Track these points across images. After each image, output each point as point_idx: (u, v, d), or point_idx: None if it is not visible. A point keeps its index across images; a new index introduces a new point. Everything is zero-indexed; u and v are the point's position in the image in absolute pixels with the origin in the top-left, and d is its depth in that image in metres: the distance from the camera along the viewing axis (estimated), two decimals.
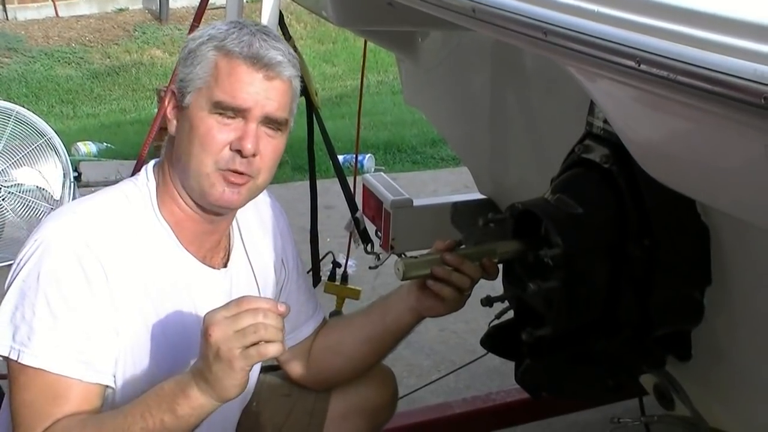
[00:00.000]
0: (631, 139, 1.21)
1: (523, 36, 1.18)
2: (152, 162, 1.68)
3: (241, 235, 1.78)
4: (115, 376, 1.56)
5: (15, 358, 1.47)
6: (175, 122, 1.60)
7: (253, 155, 1.55)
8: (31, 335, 1.47)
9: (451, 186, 5.22)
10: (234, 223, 1.76)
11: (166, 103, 1.62)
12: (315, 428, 1.95)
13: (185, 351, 1.58)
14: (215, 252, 1.71)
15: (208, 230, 1.66)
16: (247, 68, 1.54)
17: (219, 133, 1.54)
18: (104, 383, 1.54)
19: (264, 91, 1.55)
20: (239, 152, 1.54)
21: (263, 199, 1.83)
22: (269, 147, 1.59)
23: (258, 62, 1.54)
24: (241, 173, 1.56)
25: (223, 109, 1.54)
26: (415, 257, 1.77)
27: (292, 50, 1.62)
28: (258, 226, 1.83)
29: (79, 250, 1.49)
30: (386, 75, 8.53)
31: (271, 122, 1.58)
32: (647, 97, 1.04)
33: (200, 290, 1.65)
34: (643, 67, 0.97)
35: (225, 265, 1.72)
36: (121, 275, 1.53)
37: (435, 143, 6.28)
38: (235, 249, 1.75)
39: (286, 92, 1.59)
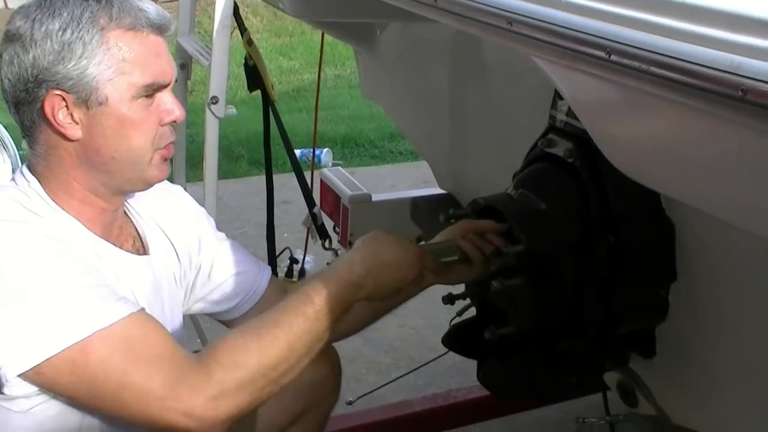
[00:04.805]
0: (601, 133, 1.19)
1: (487, 26, 1.15)
2: (22, 167, 1.52)
3: (156, 221, 1.68)
4: None
5: (66, 346, 1.31)
6: (79, 126, 1.44)
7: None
8: (58, 320, 1.32)
9: (410, 181, 5.18)
10: (132, 211, 1.66)
11: (50, 112, 1.42)
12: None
13: None
14: (123, 240, 1.60)
15: (112, 217, 1.56)
16: (156, 38, 1.46)
17: (150, 114, 1.46)
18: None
19: (169, 55, 1.50)
20: (173, 122, 1.50)
21: (169, 187, 1.76)
22: None
23: (160, 27, 1.47)
24: (171, 143, 1.52)
25: (153, 90, 1.46)
26: None
27: None
28: (173, 210, 1.73)
29: (39, 239, 1.38)
30: (344, 69, 8.46)
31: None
32: (618, 89, 1.01)
33: (127, 276, 1.55)
34: (613, 57, 0.95)
35: (144, 252, 1.64)
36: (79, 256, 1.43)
37: (393, 137, 6.25)
38: (150, 235, 1.66)
39: None
